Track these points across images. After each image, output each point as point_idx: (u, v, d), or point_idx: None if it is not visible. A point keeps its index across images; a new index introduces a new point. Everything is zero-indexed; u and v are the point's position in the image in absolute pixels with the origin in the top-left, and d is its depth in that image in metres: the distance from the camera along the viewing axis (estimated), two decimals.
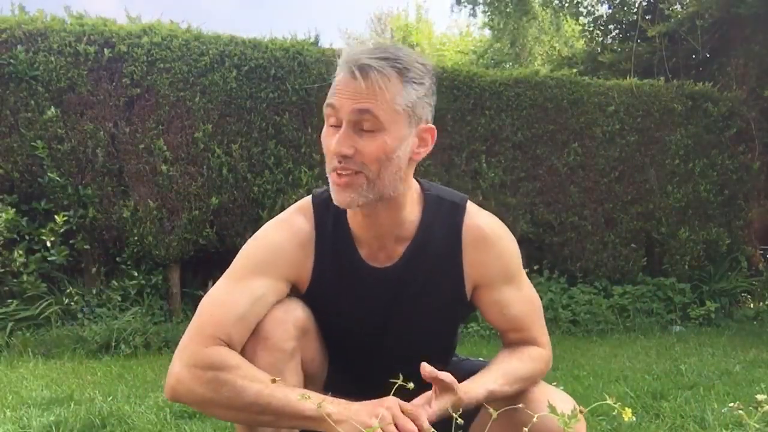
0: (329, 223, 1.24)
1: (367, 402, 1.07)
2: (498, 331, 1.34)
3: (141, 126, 4.60)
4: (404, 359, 1.19)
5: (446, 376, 1.08)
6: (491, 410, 1.02)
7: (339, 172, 1.12)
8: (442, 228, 1.25)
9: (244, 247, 1.25)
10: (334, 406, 1.05)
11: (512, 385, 1.19)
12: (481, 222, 1.26)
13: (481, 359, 1.46)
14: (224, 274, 1.22)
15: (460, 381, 1.17)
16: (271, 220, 1.29)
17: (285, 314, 1.19)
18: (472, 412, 1.19)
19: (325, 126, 1.17)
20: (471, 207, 1.28)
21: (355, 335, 1.28)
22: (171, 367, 1.13)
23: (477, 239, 1.25)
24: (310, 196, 1.29)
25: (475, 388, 1.14)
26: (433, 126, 1.19)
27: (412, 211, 1.23)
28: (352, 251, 1.24)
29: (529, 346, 1.28)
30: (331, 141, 1.13)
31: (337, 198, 1.14)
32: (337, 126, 1.13)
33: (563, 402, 1.13)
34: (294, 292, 1.25)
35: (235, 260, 1.23)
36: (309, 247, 1.23)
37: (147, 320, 4.27)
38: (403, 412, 1.04)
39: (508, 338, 1.31)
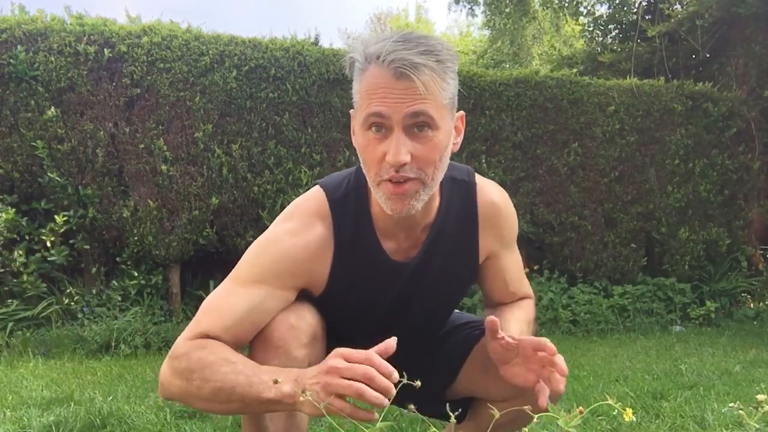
0: (349, 223, 1.19)
1: (315, 367, 1.00)
2: (490, 296, 1.37)
3: (141, 126, 4.60)
4: (413, 334, 1.26)
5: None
6: (494, 411, 1.02)
7: (395, 181, 1.06)
8: (458, 209, 1.24)
9: (253, 250, 1.19)
10: (289, 385, 0.97)
11: (529, 328, 1.29)
12: (493, 197, 1.29)
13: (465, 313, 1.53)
14: (229, 276, 1.18)
15: (452, 333, 1.32)
16: (284, 223, 1.20)
17: (297, 321, 1.15)
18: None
19: (362, 132, 1.08)
20: (479, 182, 1.28)
21: (368, 324, 1.25)
22: (162, 368, 1.13)
23: (492, 214, 1.27)
24: (323, 195, 1.21)
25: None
26: (462, 112, 1.16)
27: (435, 199, 1.21)
28: (376, 248, 1.20)
29: (520, 300, 1.36)
30: (378, 149, 1.06)
31: (395, 208, 1.09)
32: (383, 130, 1.05)
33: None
34: (304, 292, 1.20)
35: (241, 263, 1.18)
36: (326, 253, 1.18)
37: (147, 320, 4.27)
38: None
39: (504, 302, 1.36)
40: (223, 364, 1.03)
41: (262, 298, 1.13)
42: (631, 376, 3.27)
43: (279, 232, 1.19)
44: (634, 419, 2.25)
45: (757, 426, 0.97)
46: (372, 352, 0.95)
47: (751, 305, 6.33)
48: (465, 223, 1.25)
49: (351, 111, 1.15)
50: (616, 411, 0.86)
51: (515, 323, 1.26)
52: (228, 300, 1.13)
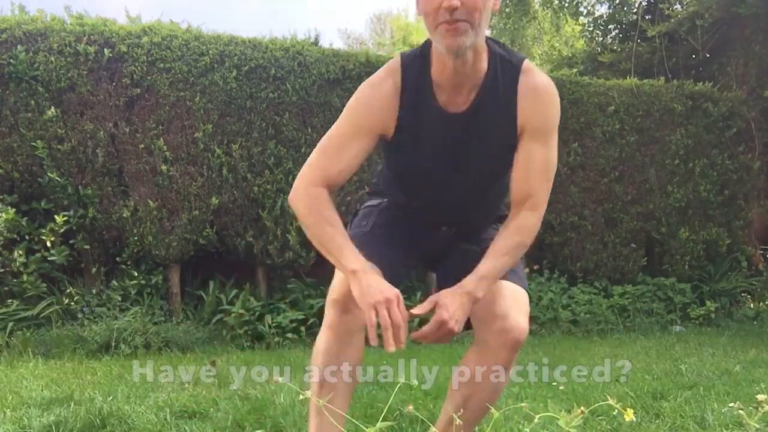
0: (413, 79, 1.48)
1: (379, 285, 1.34)
2: (511, 185, 1.53)
3: (141, 126, 4.60)
4: (470, 194, 1.57)
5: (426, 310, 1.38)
6: (493, 410, 1.03)
7: (449, 21, 1.32)
8: (503, 83, 1.47)
9: (348, 104, 1.52)
10: (351, 273, 1.37)
11: (504, 259, 1.46)
12: (536, 80, 1.48)
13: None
14: (335, 125, 1.53)
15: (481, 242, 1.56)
16: (366, 81, 1.52)
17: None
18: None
19: None
20: (527, 66, 1.48)
21: (430, 172, 1.54)
22: (295, 183, 1.52)
23: (531, 94, 1.46)
24: (398, 58, 1.51)
25: (479, 284, 1.41)
26: None
27: (483, 62, 1.45)
28: (431, 99, 1.47)
29: (520, 215, 1.50)
30: (435, 1, 1.32)
31: (451, 43, 1.34)
32: None
33: (514, 293, 1.50)
34: (381, 139, 1.53)
35: (341, 116, 1.53)
36: (395, 101, 1.48)
37: (147, 320, 4.26)
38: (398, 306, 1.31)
39: (517, 196, 1.51)
40: (326, 226, 1.45)
41: (359, 147, 1.50)
42: (631, 376, 3.27)
43: (362, 87, 1.52)
44: (634, 419, 2.25)
45: (757, 426, 0.97)
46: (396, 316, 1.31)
47: (751, 305, 6.34)
48: (507, 96, 1.46)
49: None
50: (616, 411, 0.86)
51: (491, 258, 1.46)
52: (338, 148, 1.50)
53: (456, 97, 1.46)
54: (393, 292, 1.33)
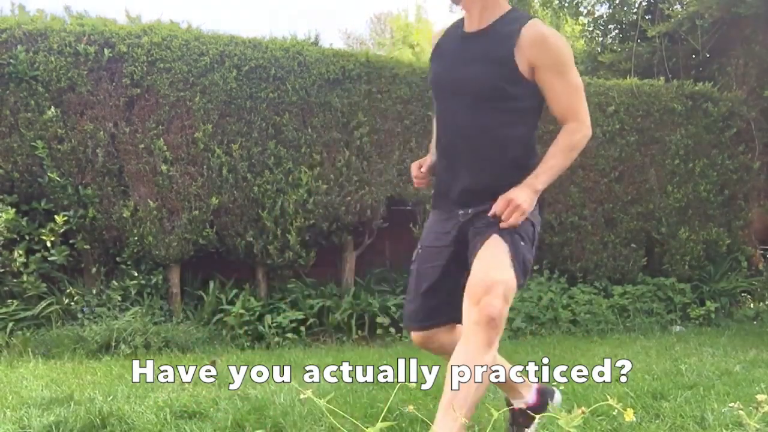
0: (454, 24, 2.04)
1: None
2: (550, 109, 1.97)
3: (141, 126, 4.60)
4: (476, 118, 1.91)
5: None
6: (492, 410, 1.03)
7: None
8: (510, 26, 1.88)
9: None
10: None
11: (557, 158, 1.97)
12: (540, 28, 1.86)
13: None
14: None
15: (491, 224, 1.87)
16: None
17: None
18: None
19: None
20: (534, 20, 1.88)
21: (445, 78, 1.97)
22: None
23: (535, 38, 1.84)
24: None
25: (536, 178, 1.90)
26: None
27: (499, 10, 1.92)
28: (461, 27, 1.98)
29: (567, 124, 1.98)
30: None
31: None
32: None
33: (497, 281, 1.71)
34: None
35: None
36: (440, 36, 2.09)
37: (147, 320, 4.26)
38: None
39: (559, 116, 1.98)
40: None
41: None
42: (631, 376, 3.27)
43: None
44: (634, 419, 2.25)
45: (757, 426, 0.97)
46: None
47: (751, 305, 6.33)
48: (510, 33, 1.86)
49: None
50: (616, 411, 0.86)
51: (545, 159, 1.96)
52: None
53: (476, 24, 1.93)
54: (418, 162, 2.07)
